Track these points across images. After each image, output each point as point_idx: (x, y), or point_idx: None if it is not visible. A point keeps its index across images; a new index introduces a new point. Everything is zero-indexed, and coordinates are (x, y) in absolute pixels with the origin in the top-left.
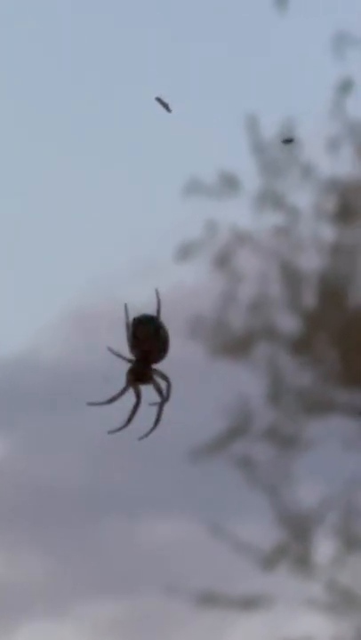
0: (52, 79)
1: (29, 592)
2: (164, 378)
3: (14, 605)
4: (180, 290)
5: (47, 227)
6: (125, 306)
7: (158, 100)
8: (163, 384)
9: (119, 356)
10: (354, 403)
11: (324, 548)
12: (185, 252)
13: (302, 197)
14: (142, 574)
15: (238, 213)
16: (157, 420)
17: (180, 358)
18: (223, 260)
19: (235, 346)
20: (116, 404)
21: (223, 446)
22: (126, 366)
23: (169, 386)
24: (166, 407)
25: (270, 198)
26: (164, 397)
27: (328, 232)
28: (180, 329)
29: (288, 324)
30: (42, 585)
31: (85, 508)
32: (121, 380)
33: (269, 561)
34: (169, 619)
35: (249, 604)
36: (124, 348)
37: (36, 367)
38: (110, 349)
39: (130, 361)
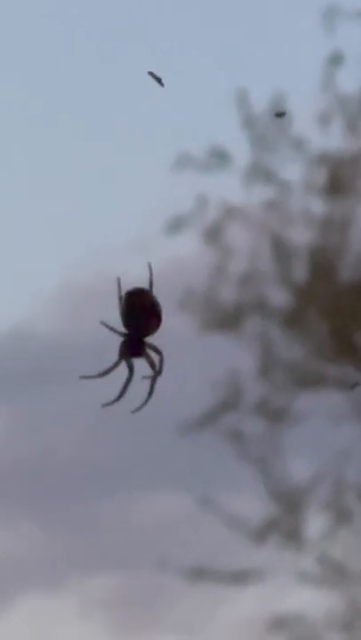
0: (42, 49)
1: (25, 566)
2: (157, 351)
3: (11, 578)
4: (171, 264)
5: (39, 201)
6: (118, 279)
7: (151, 74)
8: (156, 357)
9: (112, 329)
10: (344, 376)
11: (314, 521)
12: (175, 226)
13: (293, 171)
14: (135, 548)
15: (228, 187)
16: (150, 394)
17: (169, 332)
18: (213, 235)
19: (225, 320)
20: (111, 377)
21: (213, 420)
22: (119, 340)
23: (162, 359)
24: (157, 381)
25: (261, 172)
26: (157, 371)
27: (318, 206)
28: (171, 303)
29: (278, 297)
30: (37, 559)
31: (79, 482)
32: (114, 354)
33: (260, 535)
34: (162, 593)
35: (240, 578)
36: (118, 322)
37: (29, 340)
38: (103, 323)
39: (123, 334)
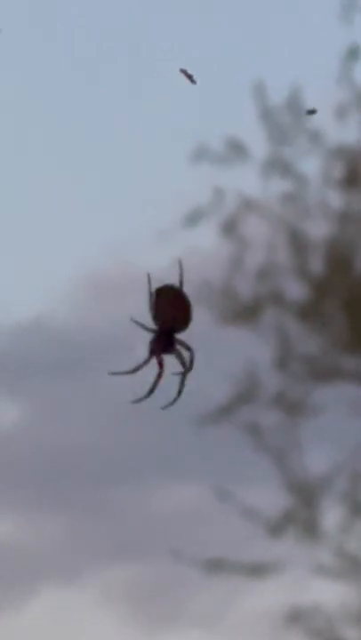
0: (48, 44)
1: (43, 557)
2: (187, 347)
3: (29, 569)
4: (188, 256)
5: (59, 191)
6: (148, 275)
7: (183, 71)
8: (185, 354)
9: (142, 326)
10: None
11: (331, 513)
12: (192, 218)
13: (310, 164)
14: (152, 540)
15: (246, 180)
16: (180, 390)
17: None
18: (231, 227)
19: (242, 312)
20: (123, 367)
21: (230, 412)
22: (149, 336)
23: (192, 355)
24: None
25: (278, 165)
26: (188, 367)
27: (336, 199)
28: (189, 295)
29: (295, 290)
30: (55, 550)
31: (97, 472)
32: (131, 344)
33: (277, 527)
34: (179, 584)
35: (257, 570)
36: (143, 316)
37: (49, 333)
38: (133, 320)
39: (153, 331)
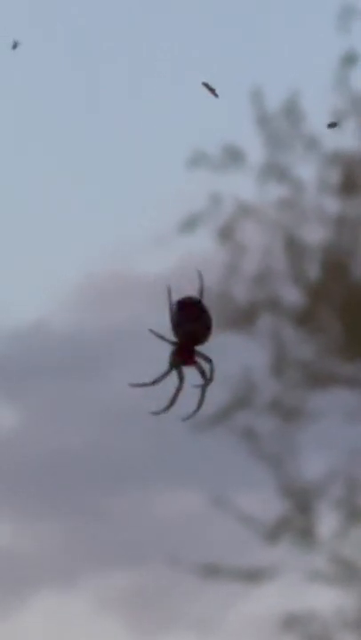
0: (48, 44)
1: (39, 563)
2: (207, 359)
3: (25, 576)
4: (184, 262)
5: (59, 192)
6: (168, 288)
7: (205, 85)
8: (205, 366)
9: (162, 338)
10: (357, 374)
11: (327, 519)
12: (189, 224)
13: (306, 170)
14: (148, 546)
15: (242, 186)
16: (201, 402)
17: None
18: (227, 233)
19: (238, 318)
20: (117, 374)
21: (227, 418)
22: (151, 338)
23: (212, 367)
24: (168, 378)
25: (274, 171)
26: (208, 379)
27: (332, 204)
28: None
29: (292, 296)
30: (51, 556)
31: (93, 479)
32: (133, 350)
33: (273, 533)
34: (175, 590)
35: (253, 576)
36: (147, 320)
37: (48, 337)
38: (152, 331)
39: (173, 343)
